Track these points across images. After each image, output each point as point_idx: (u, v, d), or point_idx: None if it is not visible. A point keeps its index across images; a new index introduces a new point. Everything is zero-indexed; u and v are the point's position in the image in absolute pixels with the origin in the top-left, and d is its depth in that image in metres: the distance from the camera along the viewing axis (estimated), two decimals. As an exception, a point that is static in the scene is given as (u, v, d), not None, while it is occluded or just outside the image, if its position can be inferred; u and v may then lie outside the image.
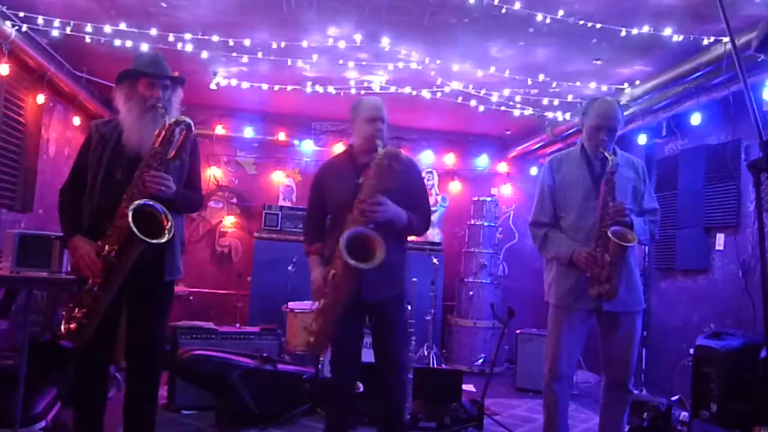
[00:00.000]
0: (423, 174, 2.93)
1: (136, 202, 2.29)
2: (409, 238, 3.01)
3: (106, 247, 2.28)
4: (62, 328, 2.34)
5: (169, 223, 2.32)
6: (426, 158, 7.03)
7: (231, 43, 4.35)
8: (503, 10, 3.64)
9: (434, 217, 6.69)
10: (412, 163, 2.86)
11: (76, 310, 2.31)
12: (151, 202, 2.32)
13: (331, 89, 5.19)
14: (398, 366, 2.71)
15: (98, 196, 2.44)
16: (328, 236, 2.74)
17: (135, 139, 2.46)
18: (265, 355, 4.00)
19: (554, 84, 4.84)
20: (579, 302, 2.73)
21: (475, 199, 6.52)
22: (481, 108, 5.30)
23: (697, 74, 4.02)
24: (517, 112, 5.34)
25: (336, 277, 2.46)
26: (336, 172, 2.79)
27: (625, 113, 4.67)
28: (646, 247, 5.35)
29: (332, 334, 2.53)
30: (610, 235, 2.57)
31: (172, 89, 2.56)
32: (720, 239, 4.51)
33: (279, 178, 6.90)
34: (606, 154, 2.70)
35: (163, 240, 2.30)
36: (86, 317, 2.29)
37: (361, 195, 2.50)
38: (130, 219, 2.23)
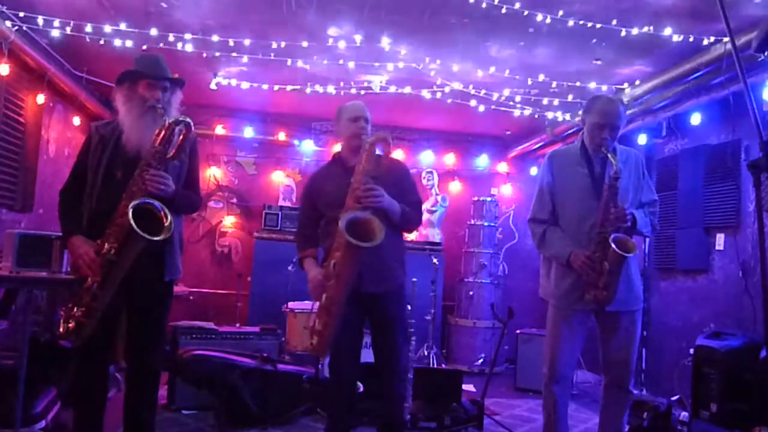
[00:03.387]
0: (411, 170, 2.98)
1: (136, 201, 2.29)
2: (409, 237, 3.03)
3: (106, 245, 2.28)
4: (61, 327, 2.34)
5: (168, 221, 2.32)
6: (426, 158, 7.04)
7: (231, 43, 4.35)
8: (503, 10, 3.64)
9: (434, 217, 6.70)
10: (398, 161, 2.96)
11: (75, 309, 2.31)
12: (150, 200, 2.32)
13: (331, 89, 5.19)
14: (398, 365, 2.70)
15: (98, 196, 2.44)
16: (324, 237, 2.75)
17: (134, 140, 2.47)
18: (265, 355, 4.00)
19: (554, 84, 4.84)
20: (578, 302, 2.72)
21: (475, 199, 6.51)
22: (481, 108, 5.29)
23: (697, 74, 4.02)
24: (517, 112, 5.34)
25: (337, 266, 2.43)
26: (327, 175, 2.83)
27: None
28: (646, 247, 5.35)
29: (336, 332, 2.48)
30: (611, 244, 2.55)
31: (172, 91, 2.57)
32: (720, 239, 4.50)
33: (279, 178, 6.90)
34: (609, 155, 2.66)
35: (163, 237, 2.31)
36: (85, 316, 2.29)
37: (354, 183, 2.51)
38: (130, 216, 2.24)
